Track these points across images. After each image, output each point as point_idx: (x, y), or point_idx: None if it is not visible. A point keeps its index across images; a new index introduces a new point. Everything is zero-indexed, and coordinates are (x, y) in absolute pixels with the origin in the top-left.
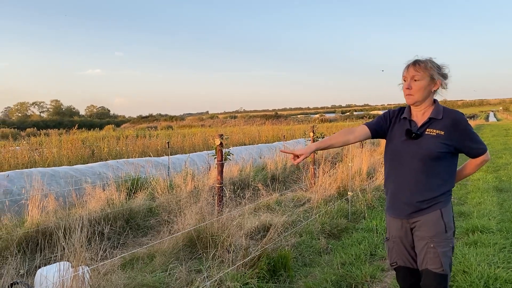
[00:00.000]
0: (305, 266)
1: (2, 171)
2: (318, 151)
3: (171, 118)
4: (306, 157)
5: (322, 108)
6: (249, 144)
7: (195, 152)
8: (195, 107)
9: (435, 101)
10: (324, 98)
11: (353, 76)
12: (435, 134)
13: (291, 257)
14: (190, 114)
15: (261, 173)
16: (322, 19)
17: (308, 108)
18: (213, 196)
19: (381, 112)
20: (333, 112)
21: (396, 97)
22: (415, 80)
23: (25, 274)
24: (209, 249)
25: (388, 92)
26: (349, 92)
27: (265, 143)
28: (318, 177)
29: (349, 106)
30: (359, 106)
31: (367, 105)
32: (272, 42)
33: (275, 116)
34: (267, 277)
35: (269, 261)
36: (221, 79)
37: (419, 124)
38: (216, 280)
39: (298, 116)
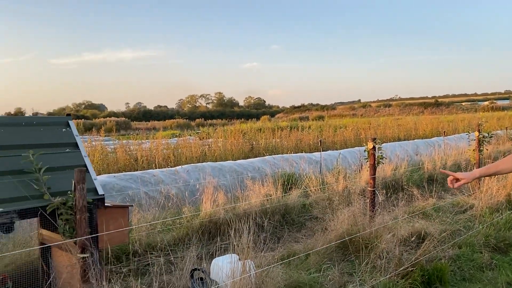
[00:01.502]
0: (463, 281)
1: (180, 165)
2: (484, 147)
3: (322, 107)
4: (467, 183)
5: (493, 94)
6: (404, 139)
7: (347, 147)
8: (346, 96)
9: None
10: (495, 82)
11: None
12: None
13: (448, 270)
14: (341, 103)
15: (417, 173)
16: None
17: (476, 94)
18: (365, 199)
19: None
20: (507, 99)
21: None
22: None
23: (201, 260)
24: (361, 253)
25: None
26: None
27: (421, 137)
28: (483, 181)
29: None
30: None
31: None
32: (431, 21)
33: (435, 104)
34: None
35: (423, 273)
36: (374, 65)
37: None
38: (369, 286)
39: (463, 103)
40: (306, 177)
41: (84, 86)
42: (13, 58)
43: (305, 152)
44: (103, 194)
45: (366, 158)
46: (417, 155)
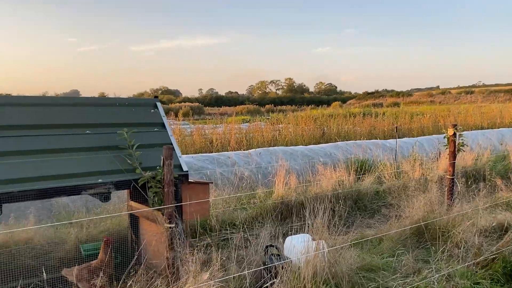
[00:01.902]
0: None
1: (252, 148)
2: None
3: (397, 94)
4: None
5: None
6: (487, 127)
7: (424, 135)
8: (424, 82)
9: None
10: None
11: None
12: None
13: None
14: (418, 90)
15: (501, 163)
16: None
17: None
18: (442, 187)
19: None
20: None
21: None
22: None
23: (274, 238)
24: (438, 241)
25: None
26: None
27: (508, 126)
28: None
29: None
30: None
31: None
32: None
33: None
34: (502, 280)
35: (506, 264)
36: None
37: None
38: (445, 274)
39: None
40: (380, 163)
41: (161, 72)
42: (97, 45)
43: (379, 139)
44: (187, 171)
45: (446, 145)
46: (501, 144)
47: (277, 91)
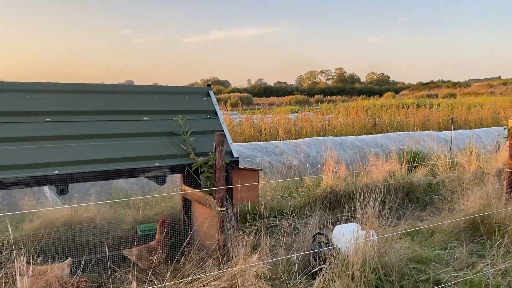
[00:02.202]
0: None
1: (300, 138)
2: None
3: (454, 84)
4: None
5: None
6: None
7: (482, 127)
8: (483, 72)
9: None
10: None
11: None
12: None
13: None
14: (477, 80)
15: None
16: None
17: None
18: (500, 181)
19: None
20: None
21: None
22: None
23: (322, 227)
24: (494, 236)
25: None
26: None
27: None
28: None
29: None
30: None
31: None
32: None
33: None
34: None
35: None
36: None
37: None
38: (501, 269)
39: None
40: (434, 155)
41: (211, 63)
42: (151, 37)
43: (433, 131)
44: (238, 157)
45: (506, 137)
46: None
47: (327, 81)
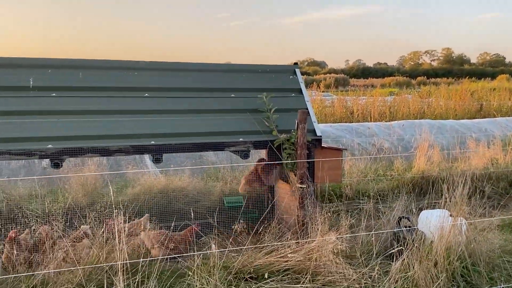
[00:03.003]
0: None
1: (396, 120)
2: None
3: None
4: None
5: None
6: None
7: None
8: None
9: None
10: None
11: None
12: None
13: None
14: None
15: None
16: None
17: None
18: None
19: None
20: None
21: None
22: None
23: (409, 212)
24: None
25: None
26: None
27: None
28: None
29: None
30: None
31: None
32: None
33: None
34: None
35: None
36: None
37: None
38: None
39: None
40: None
41: (308, 44)
42: (248, 19)
43: None
44: (321, 136)
45: None
46: None
47: (432, 62)
